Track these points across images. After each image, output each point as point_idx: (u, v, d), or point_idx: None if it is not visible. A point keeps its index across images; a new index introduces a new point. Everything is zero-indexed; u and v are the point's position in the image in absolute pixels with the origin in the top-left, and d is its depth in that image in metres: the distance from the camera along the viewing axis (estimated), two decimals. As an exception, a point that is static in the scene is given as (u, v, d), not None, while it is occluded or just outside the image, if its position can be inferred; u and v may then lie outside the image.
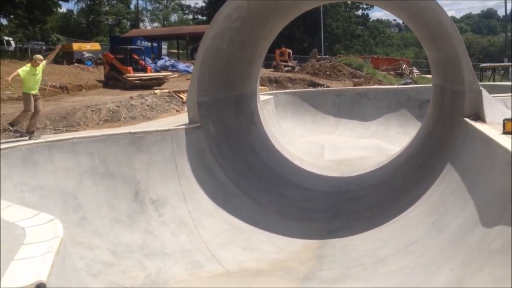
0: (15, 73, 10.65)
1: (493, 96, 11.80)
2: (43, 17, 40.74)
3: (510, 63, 50.02)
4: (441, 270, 7.07)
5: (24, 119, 10.92)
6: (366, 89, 27.62)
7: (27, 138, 10.18)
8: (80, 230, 8.69)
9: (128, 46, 29.23)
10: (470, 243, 6.99)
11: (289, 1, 14.33)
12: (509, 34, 65.19)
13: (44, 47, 41.35)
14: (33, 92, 10.80)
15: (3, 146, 8.81)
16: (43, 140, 9.50)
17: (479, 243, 6.72)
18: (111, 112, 15.14)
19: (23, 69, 10.66)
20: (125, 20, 74.89)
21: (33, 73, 10.72)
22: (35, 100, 10.85)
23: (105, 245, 8.70)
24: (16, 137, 10.44)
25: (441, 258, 7.42)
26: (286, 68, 40.71)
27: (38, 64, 10.89)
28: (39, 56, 11.16)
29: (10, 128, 10.85)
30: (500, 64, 49.03)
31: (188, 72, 32.01)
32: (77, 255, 7.98)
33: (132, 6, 78.04)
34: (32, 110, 10.75)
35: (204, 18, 72.01)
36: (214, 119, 13.11)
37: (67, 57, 31.85)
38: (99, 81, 26.15)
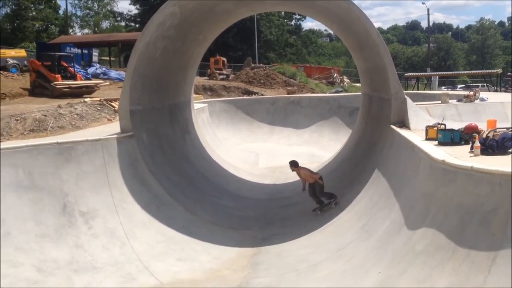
0: None
1: (416, 104, 12.45)
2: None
3: (432, 73, 53.00)
4: (369, 272, 7.32)
5: None
6: (299, 97, 28.27)
7: None
8: (3, 247, 8.21)
9: (56, 53, 28.06)
10: (396, 245, 7.30)
11: (222, 9, 14.41)
12: (431, 45, 69.03)
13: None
14: None
15: None
16: (-39, 152, 8.91)
17: (404, 245, 7.03)
18: (37, 122, 14.40)
19: None
20: (53, 26, 71.66)
21: None
22: None
23: (30, 261, 8.27)
24: None
25: (370, 261, 7.69)
26: (221, 76, 40.72)
27: None
28: None
29: None
30: (424, 73, 51.80)
31: (120, 80, 31.15)
32: (-1, 274, 7.54)
33: (61, 12, 75.06)
34: None
35: (137, 25, 70.56)
36: (147, 128, 12.86)
37: (-11, 64, 30.05)
38: (25, 89, 24.85)
